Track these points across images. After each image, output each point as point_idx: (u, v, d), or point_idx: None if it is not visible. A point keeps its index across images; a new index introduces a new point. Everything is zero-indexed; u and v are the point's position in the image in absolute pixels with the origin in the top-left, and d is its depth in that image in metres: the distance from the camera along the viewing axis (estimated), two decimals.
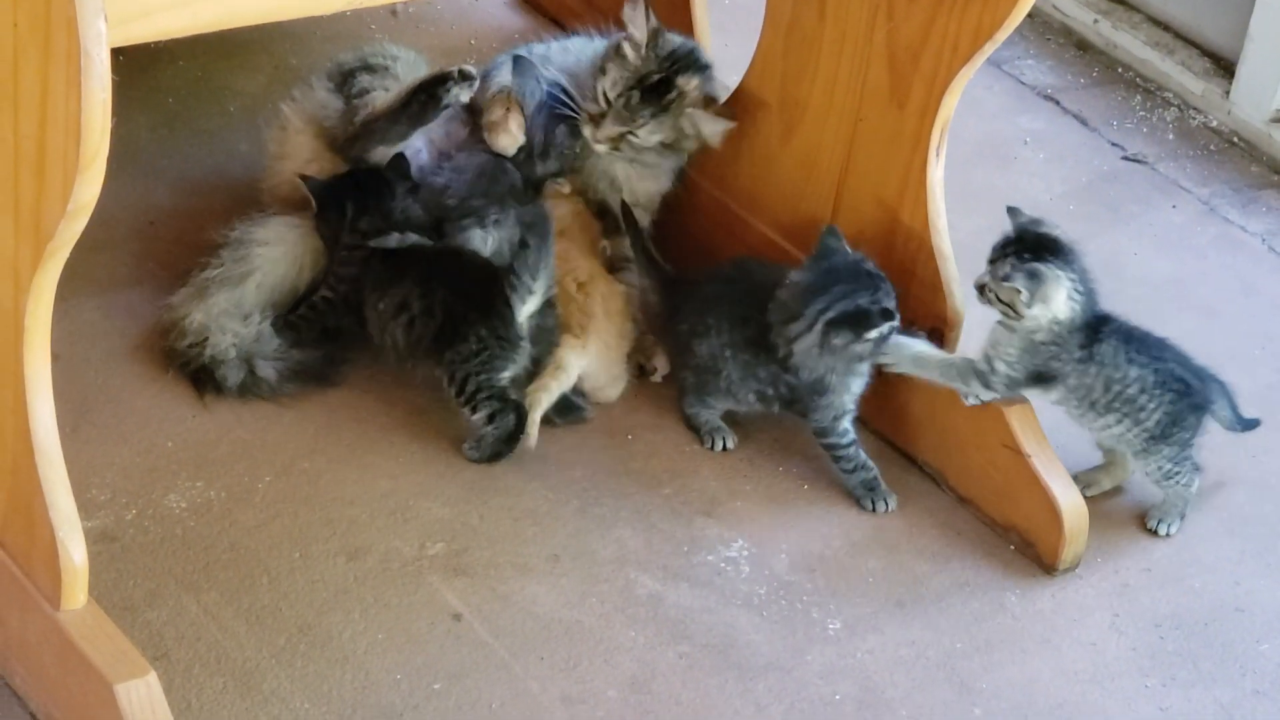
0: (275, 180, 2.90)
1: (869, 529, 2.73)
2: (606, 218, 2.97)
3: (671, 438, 2.82)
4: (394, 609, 2.50)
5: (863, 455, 2.75)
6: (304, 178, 2.82)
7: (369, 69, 2.96)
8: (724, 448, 2.80)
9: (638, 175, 2.96)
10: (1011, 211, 2.71)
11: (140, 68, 3.23)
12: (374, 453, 2.72)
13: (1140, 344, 2.72)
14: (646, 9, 2.87)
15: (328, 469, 2.68)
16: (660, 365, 2.92)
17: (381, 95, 2.88)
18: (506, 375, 2.72)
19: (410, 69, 2.93)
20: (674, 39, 2.91)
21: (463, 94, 2.80)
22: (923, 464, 2.83)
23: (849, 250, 2.72)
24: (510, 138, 2.85)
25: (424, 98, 2.81)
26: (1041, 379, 2.69)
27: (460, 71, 2.80)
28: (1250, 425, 2.84)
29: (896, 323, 2.69)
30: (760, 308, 2.73)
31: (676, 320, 2.81)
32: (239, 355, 2.73)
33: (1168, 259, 3.32)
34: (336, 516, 2.61)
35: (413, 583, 2.54)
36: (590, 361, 2.81)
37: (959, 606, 2.64)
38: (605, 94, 2.88)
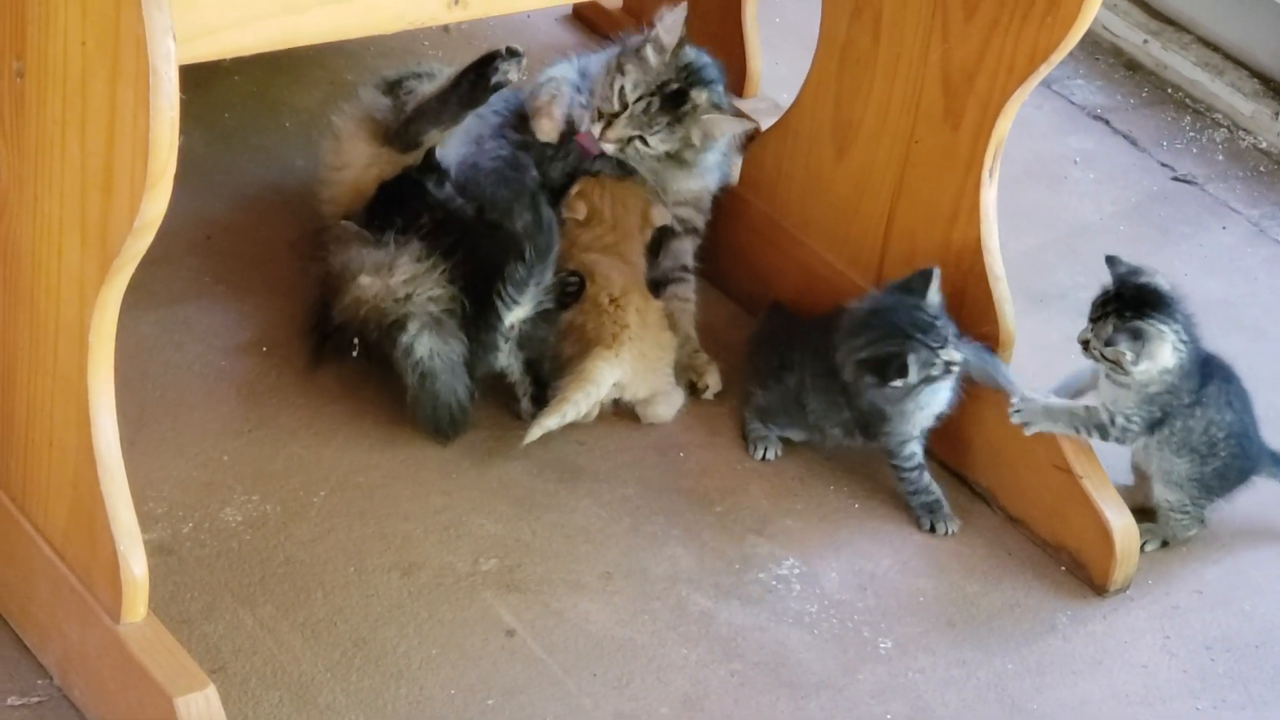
0: (336, 191, 2.92)
1: (920, 548, 2.74)
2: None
3: (723, 455, 2.83)
4: (448, 624, 2.51)
5: (927, 478, 2.76)
6: (347, 219, 2.83)
7: (416, 76, 2.99)
8: (764, 457, 2.82)
9: (683, 175, 2.98)
10: (1110, 262, 2.70)
11: (197, 83, 3.21)
12: (427, 468, 2.73)
13: (1235, 390, 2.74)
14: (685, 17, 2.89)
15: (382, 484, 2.69)
16: (712, 383, 2.93)
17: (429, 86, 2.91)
18: (493, 368, 2.75)
19: None
20: (690, 51, 2.92)
21: (511, 72, 2.81)
22: (973, 483, 2.84)
23: (931, 294, 2.69)
24: (552, 123, 2.88)
25: (473, 77, 2.83)
26: (1157, 426, 2.69)
27: (508, 49, 2.81)
28: None
29: (932, 373, 2.67)
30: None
31: (770, 348, 2.85)
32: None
33: (1218, 280, 3.32)
34: (391, 531, 2.63)
35: (466, 598, 2.55)
36: (624, 372, 2.81)
37: (1010, 627, 2.64)
38: (623, 93, 2.87)
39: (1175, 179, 3.56)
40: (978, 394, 2.77)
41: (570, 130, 2.92)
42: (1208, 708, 2.57)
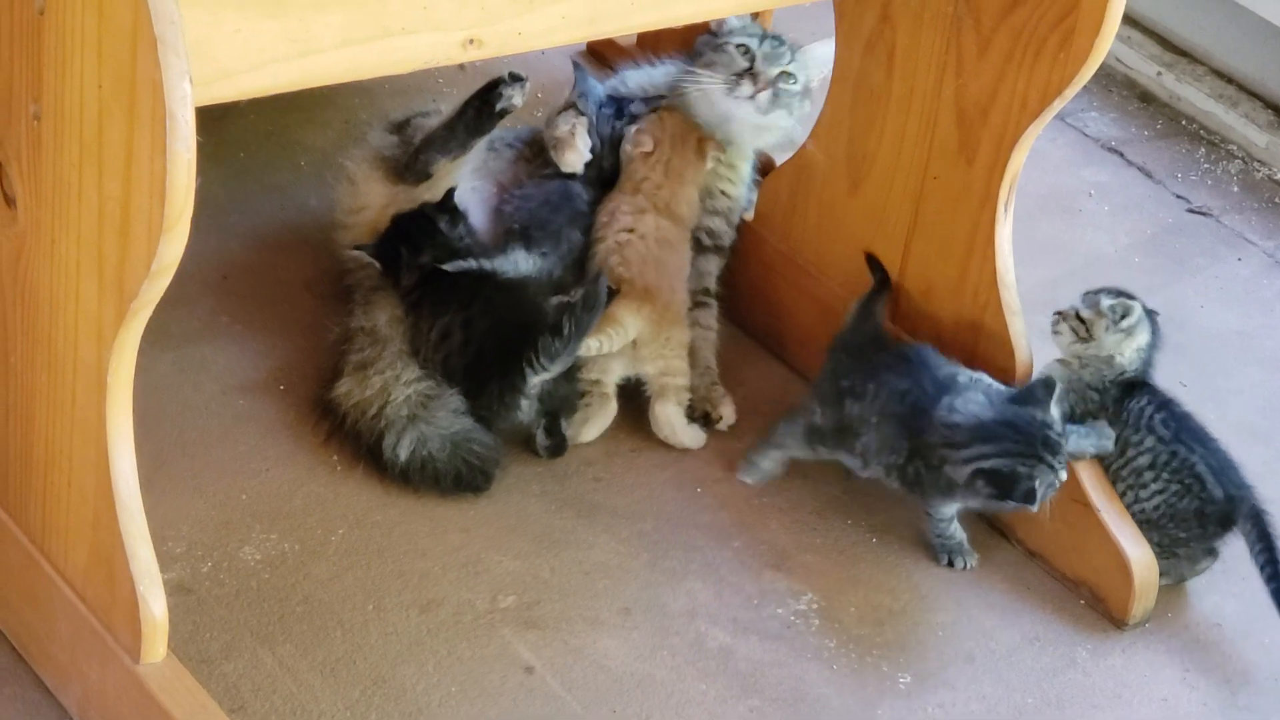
0: (355, 235, 2.92)
1: (938, 582, 2.74)
2: None
3: (740, 490, 2.83)
4: (467, 662, 2.51)
5: (956, 525, 2.75)
6: (359, 248, 2.84)
7: (422, 115, 3.00)
8: (750, 482, 2.81)
9: (729, 176, 3.03)
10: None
11: (212, 122, 3.21)
12: (445, 505, 2.73)
13: (1177, 423, 2.72)
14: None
15: (400, 521, 2.70)
16: (726, 414, 2.93)
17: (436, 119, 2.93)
18: (513, 423, 2.77)
19: None
20: None
21: (515, 97, 2.83)
22: (991, 518, 2.84)
23: (1054, 407, 2.66)
24: (576, 154, 2.89)
25: (478, 104, 2.85)
26: (1071, 421, 2.71)
27: (511, 74, 2.83)
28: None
29: (1049, 494, 2.63)
30: (927, 400, 2.67)
31: (838, 374, 2.77)
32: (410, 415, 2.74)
33: (1233, 312, 3.32)
34: (409, 569, 2.63)
35: (485, 635, 2.55)
36: (643, 329, 2.82)
37: (1029, 661, 2.64)
38: (743, 50, 2.93)
39: (1190, 211, 3.56)
40: None
41: (611, 144, 2.94)
42: None
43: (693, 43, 3.35)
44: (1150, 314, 2.76)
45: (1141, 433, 2.71)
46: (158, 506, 2.57)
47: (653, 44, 3.54)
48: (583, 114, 2.96)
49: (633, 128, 2.99)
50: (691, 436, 2.88)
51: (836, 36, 2.94)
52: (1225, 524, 2.71)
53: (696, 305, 2.99)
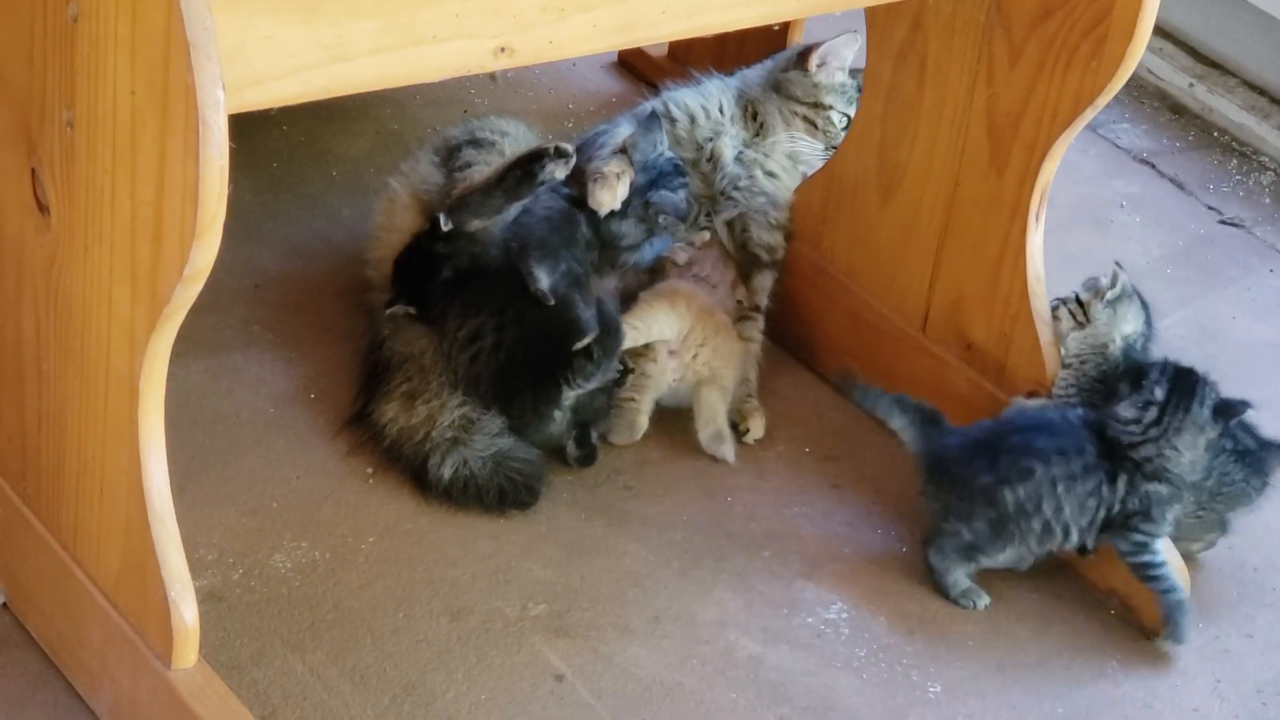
0: (383, 253, 2.92)
1: None
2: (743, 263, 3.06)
3: (770, 499, 2.83)
4: (497, 669, 2.52)
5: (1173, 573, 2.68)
6: (391, 308, 2.83)
7: (475, 144, 2.98)
8: (979, 606, 2.70)
9: (788, 190, 3.09)
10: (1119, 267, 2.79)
11: (244, 132, 3.22)
12: (475, 514, 2.74)
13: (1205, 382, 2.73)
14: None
15: (430, 530, 2.70)
16: (755, 428, 2.93)
17: (481, 170, 2.91)
18: (548, 437, 2.78)
19: (517, 145, 2.96)
20: None
21: (558, 171, 2.81)
22: None
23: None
24: (610, 195, 2.85)
25: (519, 173, 2.83)
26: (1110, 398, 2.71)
27: (557, 149, 2.82)
28: None
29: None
30: (1088, 439, 2.64)
31: (969, 474, 2.65)
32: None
33: (1266, 323, 3.31)
34: (439, 577, 2.63)
35: (515, 643, 2.55)
36: (685, 324, 2.84)
37: (1060, 671, 2.63)
38: (842, 121, 3.11)
39: (1222, 222, 3.56)
40: None
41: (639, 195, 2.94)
42: None
43: (723, 53, 3.37)
44: (1143, 303, 2.77)
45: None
46: (189, 514, 2.59)
47: (684, 55, 3.56)
48: (633, 168, 2.92)
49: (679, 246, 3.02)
50: (726, 446, 2.87)
51: (868, 46, 2.94)
52: (1264, 472, 2.74)
53: (743, 318, 3.00)
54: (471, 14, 2.25)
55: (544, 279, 2.76)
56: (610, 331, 2.72)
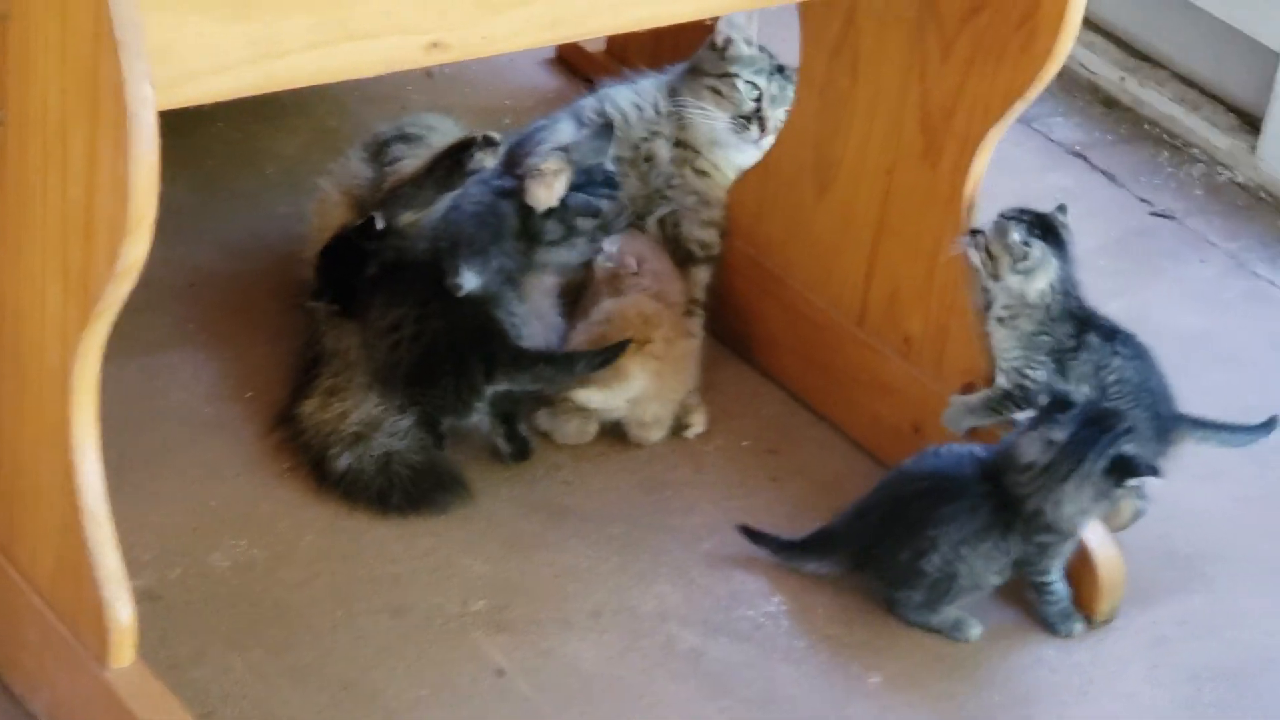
0: (318, 251, 2.92)
1: None
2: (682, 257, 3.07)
3: (709, 493, 2.84)
4: (437, 665, 2.52)
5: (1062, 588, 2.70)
6: (314, 301, 2.84)
7: (404, 139, 2.99)
8: (974, 637, 2.68)
9: (721, 187, 3.08)
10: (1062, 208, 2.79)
11: (180, 130, 3.22)
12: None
13: (1125, 344, 2.78)
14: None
15: (370, 527, 2.70)
16: (696, 423, 2.94)
17: (411, 164, 2.91)
18: (460, 422, 2.78)
19: (446, 140, 2.96)
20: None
21: (486, 159, 2.82)
22: None
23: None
24: (546, 193, 2.86)
25: (449, 164, 2.84)
26: (1057, 376, 2.73)
27: (484, 138, 2.82)
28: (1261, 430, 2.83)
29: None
30: (982, 495, 2.62)
31: (888, 549, 2.64)
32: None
33: (1197, 313, 3.34)
34: (379, 574, 2.63)
35: (455, 639, 2.55)
36: (643, 387, 2.83)
37: (997, 660, 2.65)
38: (752, 87, 3.04)
39: (1154, 214, 3.58)
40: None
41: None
42: None
43: (659, 48, 3.38)
44: (1060, 249, 2.74)
45: (1108, 357, 2.74)
46: (126, 514, 2.57)
47: (621, 51, 3.56)
48: (571, 164, 2.92)
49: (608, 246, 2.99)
50: (655, 431, 2.90)
51: (802, 42, 2.95)
52: (1164, 439, 2.76)
53: (684, 313, 3.00)
54: (403, 9, 2.25)
55: (469, 278, 2.76)
56: (562, 370, 2.76)
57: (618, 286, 2.95)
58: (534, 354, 2.79)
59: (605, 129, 2.94)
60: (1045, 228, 2.74)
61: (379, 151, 2.96)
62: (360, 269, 2.80)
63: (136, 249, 2.06)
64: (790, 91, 3.03)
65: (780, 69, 3.07)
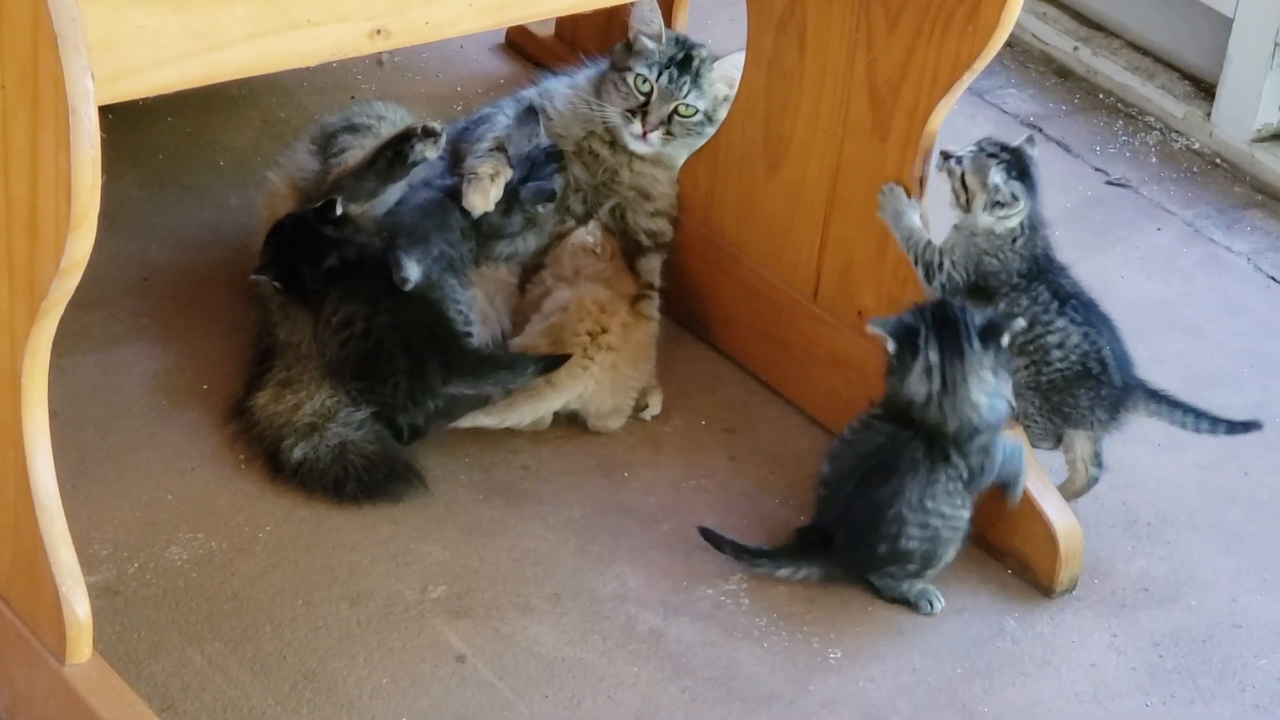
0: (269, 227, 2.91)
1: None
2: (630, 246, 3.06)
3: (667, 474, 2.84)
4: (397, 653, 2.51)
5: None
6: (258, 273, 2.83)
7: (352, 129, 2.98)
8: (938, 609, 2.69)
9: (666, 178, 3.05)
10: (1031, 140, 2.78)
11: (130, 125, 3.26)
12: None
13: (1086, 308, 2.76)
14: (655, 2, 3.01)
15: (327, 516, 2.69)
16: (652, 404, 2.94)
17: (356, 155, 2.91)
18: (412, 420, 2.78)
19: (395, 129, 2.95)
20: (670, 31, 3.06)
21: (428, 150, 2.82)
22: None
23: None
24: (483, 200, 2.86)
25: (390, 154, 2.84)
26: (978, 291, 2.73)
27: (424, 129, 2.82)
28: (1229, 427, 2.81)
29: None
30: (908, 448, 2.64)
31: (863, 552, 2.65)
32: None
33: (1154, 281, 3.34)
34: (338, 563, 2.63)
35: (415, 626, 2.55)
36: (591, 385, 2.83)
37: (958, 632, 2.65)
38: (640, 81, 2.99)
39: (1109, 183, 3.59)
40: None
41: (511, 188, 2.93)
42: (1157, 703, 2.58)
43: (610, 31, 3.37)
44: (1030, 187, 2.74)
45: (1051, 314, 2.73)
46: (83, 510, 2.58)
47: (570, 34, 3.56)
48: (510, 166, 2.92)
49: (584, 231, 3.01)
50: (614, 420, 2.89)
51: (749, 19, 2.95)
52: (1115, 409, 2.76)
53: (640, 297, 3.00)
54: None
55: (411, 269, 2.76)
56: (512, 372, 2.77)
57: (570, 275, 2.95)
58: (491, 359, 2.80)
59: (528, 113, 2.96)
60: (1020, 167, 2.74)
61: (326, 143, 2.96)
62: (312, 252, 2.78)
63: (81, 244, 2.05)
64: (692, 87, 2.99)
65: (684, 63, 3.00)
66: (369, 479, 2.71)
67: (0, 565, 2.31)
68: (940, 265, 2.73)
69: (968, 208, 2.72)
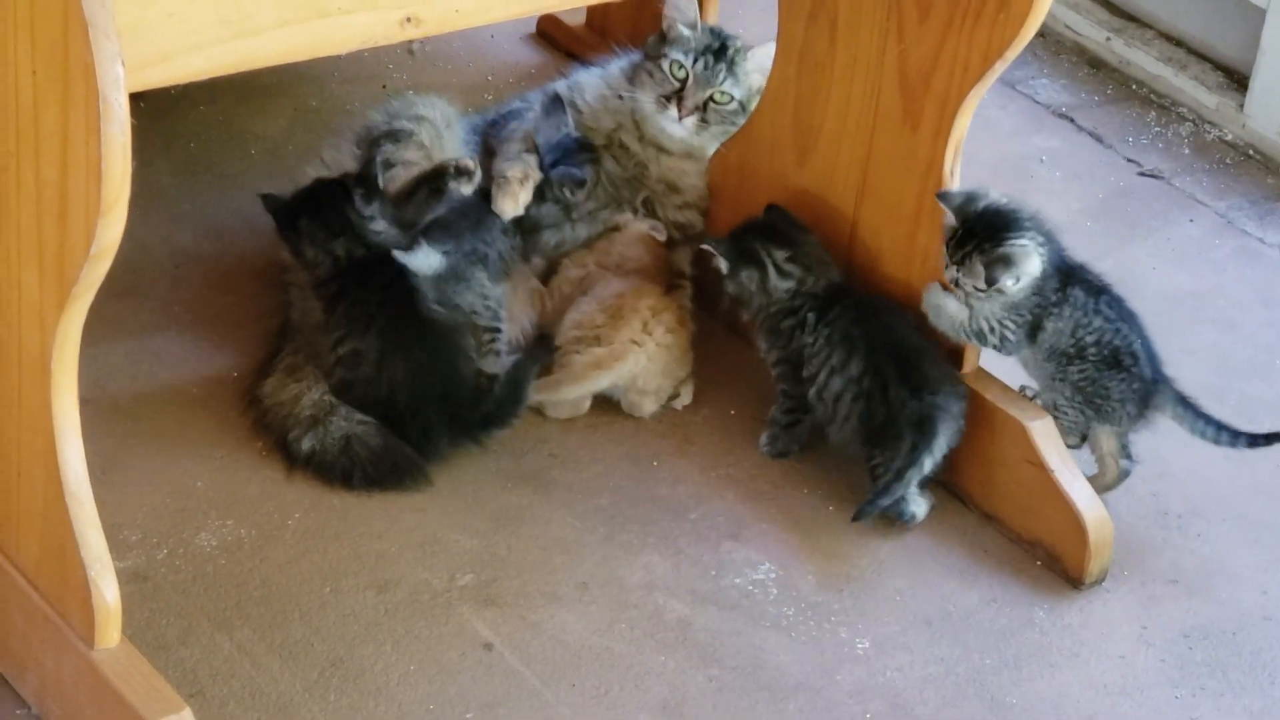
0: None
1: (895, 548, 2.74)
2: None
3: (696, 463, 2.84)
4: (425, 640, 2.52)
5: None
6: (263, 196, 2.83)
7: (393, 136, 2.96)
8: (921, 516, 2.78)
9: (695, 170, 3.05)
10: (943, 198, 2.73)
11: (161, 113, 3.27)
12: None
13: (1117, 306, 2.76)
14: None
15: (356, 504, 2.70)
16: (683, 394, 2.94)
17: (401, 173, 2.90)
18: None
19: (436, 131, 2.95)
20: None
21: (463, 187, 2.83)
22: (947, 482, 2.84)
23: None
24: (512, 205, 2.87)
25: (426, 191, 2.86)
26: (1036, 330, 2.73)
27: (456, 167, 2.83)
28: (1251, 441, 2.78)
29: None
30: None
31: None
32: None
33: (1186, 273, 3.33)
34: (365, 551, 2.63)
35: (443, 614, 2.56)
36: (643, 364, 2.85)
37: (987, 623, 2.65)
38: (675, 70, 3.00)
39: (1141, 174, 3.57)
40: None
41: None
42: (1186, 695, 2.58)
43: (640, 21, 3.37)
44: (1012, 226, 2.70)
45: (1089, 314, 2.73)
46: (113, 496, 2.59)
47: (601, 23, 3.56)
48: (540, 170, 2.92)
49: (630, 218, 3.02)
50: (647, 404, 2.91)
51: (779, 7, 2.94)
52: (1145, 404, 2.75)
53: (673, 287, 3.00)
54: None
55: (428, 257, 2.75)
56: (511, 401, 2.77)
57: (614, 265, 2.95)
58: (499, 411, 2.77)
59: (555, 102, 2.97)
60: (991, 228, 2.70)
61: (370, 149, 2.93)
62: (324, 213, 2.76)
63: (112, 230, 2.06)
64: (728, 75, 3.00)
65: (720, 51, 3.01)
66: (374, 472, 2.72)
67: (30, 551, 2.32)
68: (990, 331, 2.73)
69: (1002, 294, 2.71)
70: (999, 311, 2.72)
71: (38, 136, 2.09)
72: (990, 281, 2.67)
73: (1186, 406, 2.78)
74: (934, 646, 2.60)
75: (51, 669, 2.32)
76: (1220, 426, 2.77)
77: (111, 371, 2.83)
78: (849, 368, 2.75)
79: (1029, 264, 2.69)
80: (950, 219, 2.71)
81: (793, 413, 2.84)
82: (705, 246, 2.88)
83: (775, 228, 2.87)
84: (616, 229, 3.01)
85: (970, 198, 2.72)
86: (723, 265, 2.83)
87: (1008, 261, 2.67)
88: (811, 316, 2.80)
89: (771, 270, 2.82)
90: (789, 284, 2.82)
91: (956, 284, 2.71)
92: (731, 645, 2.57)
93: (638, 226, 3.00)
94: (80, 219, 2.06)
